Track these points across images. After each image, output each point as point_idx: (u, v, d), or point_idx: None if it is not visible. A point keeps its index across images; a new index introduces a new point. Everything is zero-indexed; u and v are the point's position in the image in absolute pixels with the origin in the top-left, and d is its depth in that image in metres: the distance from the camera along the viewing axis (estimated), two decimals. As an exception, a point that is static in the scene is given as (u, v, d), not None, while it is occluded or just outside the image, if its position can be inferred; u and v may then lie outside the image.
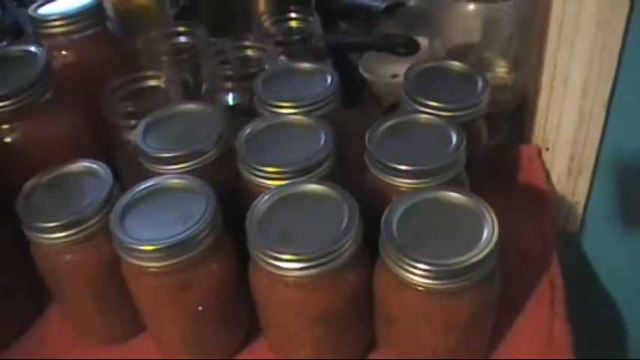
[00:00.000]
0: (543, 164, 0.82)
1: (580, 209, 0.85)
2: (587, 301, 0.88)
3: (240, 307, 0.66)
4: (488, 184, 0.66)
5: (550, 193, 0.81)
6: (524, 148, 0.83)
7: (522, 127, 0.87)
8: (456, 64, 0.74)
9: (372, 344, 0.67)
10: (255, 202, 0.60)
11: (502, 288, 0.61)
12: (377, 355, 0.67)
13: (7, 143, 0.71)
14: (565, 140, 0.79)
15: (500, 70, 0.89)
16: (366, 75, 0.92)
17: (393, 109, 0.89)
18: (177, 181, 0.64)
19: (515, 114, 0.89)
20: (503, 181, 0.81)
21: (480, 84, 0.71)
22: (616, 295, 0.92)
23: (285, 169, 0.62)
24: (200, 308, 0.62)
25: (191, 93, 0.82)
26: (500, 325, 0.67)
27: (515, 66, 0.88)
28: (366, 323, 0.64)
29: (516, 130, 0.88)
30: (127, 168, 0.75)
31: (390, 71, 0.93)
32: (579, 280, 0.85)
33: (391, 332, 0.62)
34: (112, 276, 0.64)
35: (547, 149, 0.81)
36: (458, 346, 0.60)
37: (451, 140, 0.64)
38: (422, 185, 0.62)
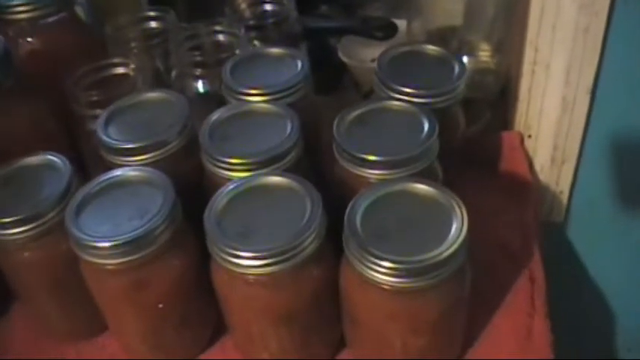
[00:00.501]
0: (526, 152, 0.79)
1: (564, 199, 0.82)
2: (573, 293, 0.86)
3: (203, 304, 0.64)
4: (466, 174, 0.64)
5: (532, 183, 0.78)
6: (505, 135, 0.80)
7: (505, 114, 0.84)
8: (432, 49, 0.71)
9: (342, 343, 0.64)
10: (214, 195, 0.57)
11: (478, 283, 0.58)
12: (346, 355, 0.64)
13: (-37, 135, 0.68)
14: (548, 127, 0.76)
15: (483, 53, 0.86)
16: (345, 59, 0.89)
17: (372, 94, 0.86)
18: (135, 173, 0.61)
19: (498, 100, 0.86)
20: (484, 170, 0.78)
21: (456, 69, 0.68)
22: (602, 285, 0.89)
23: (249, 160, 0.60)
24: (160, 306, 0.60)
25: (162, 80, 0.79)
26: (476, 322, 0.65)
27: (498, 49, 0.85)
28: (333, 322, 0.62)
29: (499, 117, 0.85)
30: (93, 160, 0.73)
31: (370, 55, 0.89)
32: (564, 271, 0.83)
33: (358, 332, 0.60)
34: (73, 273, 0.61)
35: (529, 136, 0.78)
36: (428, 345, 0.57)
37: (423, 128, 0.61)
38: (392, 176, 0.59)
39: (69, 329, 0.69)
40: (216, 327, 0.67)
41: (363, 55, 0.90)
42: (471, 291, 0.58)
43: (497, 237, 0.72)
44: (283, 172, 0.59)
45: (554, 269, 0.71)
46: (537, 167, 0.80)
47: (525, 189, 0.77)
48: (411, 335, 0.56)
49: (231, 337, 0.65)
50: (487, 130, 0.82)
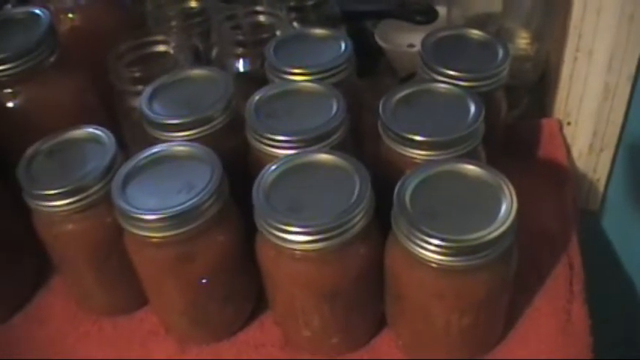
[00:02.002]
0: (564, 139, 0.79)
1: (601, 187, 0.82)
2: (606, 282, 0.85)
3: (246, 281, 0.64)
4: (505, 160, 0.64)
5: (571, 170, 0.78)
6: (544, 122, 0.79)
7: (543, 102, 0.83)
8: (475, 33, 0.71)
9: (381, 324, 0.65)
10: (263, 171, 0.57)
11: (519, 267, 0.58)
12: (387, 335, 0.64)
13: (8, 108, 0.68)
14: (588, 114, 0.76)
15: (522, 41, 0.85)
16: (382, 44, 0.89)
17: (409, 79, 0.86)
18: (182, 148, 0.61)
19: (535, 88, 0.86)
20: (522, 157, 0.78)
21: (500, 53, 0.68)
22: (637, 275, 0.89)
23: (295, 138, 0.60)
24: (204, 281, 0.60)
25: (201, 59, 0.80)
26: (516, 305, 0.65)
27: (537, 37, 0.85)
28: (376, 301, 0.62)
29: (536, 105, 0.84)
30: (133, 136, 0.73)
31: (407, 40, 0.89)
32: (598, 261, 0.82)
33: (401, 311, 0.60)
34: (115, 246, 0.62)
35: (569, 124, 0.78)
36: (471, 326, 0.58)
37: (469, 111, 0.61)
38: (437, 157, 0.59)
39: (107, 303, 0.69)
40: (256, 304, 0.67)
41: (400, 40, 0.90)
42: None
43: (536, 223, 0.72)
44: (331, 150, 0.59)
45: (588, 258, 0.71)
46: (575, 154, 0.79)
47: (564, 176, 0.77)
48: (456, 314, 0.56)
49: (273, 313, 0.65)
50: (524, 117, 0.82)
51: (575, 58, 0.73)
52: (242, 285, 0.64)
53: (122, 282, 0.66)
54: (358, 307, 0.60)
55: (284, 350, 0.65)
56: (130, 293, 0.67)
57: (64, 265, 0.68)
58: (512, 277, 0.57)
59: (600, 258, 0.87)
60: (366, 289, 0.60)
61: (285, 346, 0.65)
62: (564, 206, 0.74)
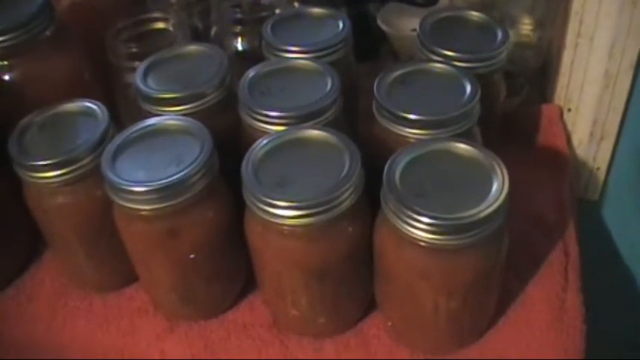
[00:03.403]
0: (564, 126, 0.78)
1: (601, 176, 0.81)
2: (605, 273, 0.84)
3: (234, 259, 0.64)
4: (504, 146, 0.63)
5: (570, 157, 0.77)
6: (544, 108, 0.78)
7: (544, 90, 0.82)
8: (475, 15, 0.70)
9: (370, 307, 0.64)
10: (253, 146, 0.57)
11: (513, 253, 0.58)
12: (375, 317, 0.64)
13: (3, 81, 0.68)
14: (589, 101, 0.75)
15: (525, 27, 0.84)
16: (384, 28, 0.88)
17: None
18: (172, 122, 0.61)
19: (536, 75, 0.85)
20: (521, 143, 0.77)
21: (499, 36, 0.67)
22: (635, 268, 0.87)
23: (287, 114, 0.59)
24: (192, 256, 0.59)
25: (200, 38, 0.79)
26: (509, 292, 0.64)
27: (540, 24, 0.84)
28: (365, 282, 0.61)
29: (537, 93, 0.83)
30: (130, 113, 0.73)
31: (409, 25, 0.88)
32: (597, 251, 0.81)
33: (390, 293, 0.59)
34: (104, 221, 0.62)
35: (569, 110, 0.77)
36: (460, 310, 0.57)
37: (465, 91, 0.60)
38: (431, 137, 0.58)
39: (97, 279, 0.69)
40: (245, 284, 0.66)
41: (403, 25, 0.88)
42: (506, 260, 0.57)
43: (533, 209, 0.71)
44: (322, 127, 0.58)
45: (586, 247, 0.70)
46: (575, 142, 0.78)
47: (563, 163, 0.76)
48: (444, 296, 0.56)
49: (261, 292, 0.65)
50: (525, 104, 0.81)
51: (577, 44, 0.72)
52: (231, 263, 0.64)
53: (112, 258, 0.66)
54: (347, 287, 0.60)
55: (271, 330, 0.64)
56: (120, 269, 0.67)
57: (54, 239, 0.67)
58: (502, 260, 0.56)
59: (600, 248, 0.85)
60: (355, 268, 0.59)
61: (272, 326, 0.64)
62: (562, 193, 0.73)
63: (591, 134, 0.77)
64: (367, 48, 0.88)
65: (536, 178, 0.74)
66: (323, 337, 0.63)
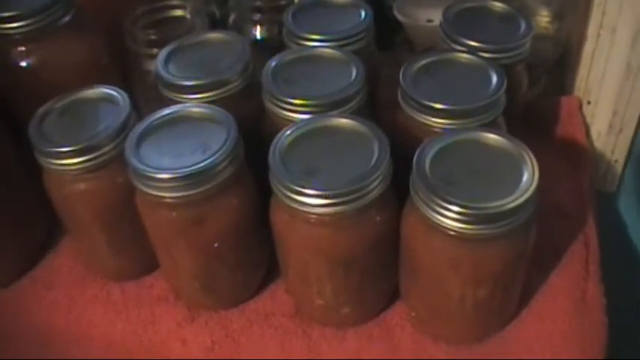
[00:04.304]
0: (583, 118, 0.78)
1: (619, 169, 0.81)
2: (622, 266, 0.84)
3: (258, 247, 0.63)
4: (523, 137, 0.63)
5: (589, 149, 0.77)
6: (564, 100, 0.78)
7: (563, 81, 0.82)
8: (497, 5, 0.70)
9: (393, 297, 0.64)
10: (280, 133, 0.56)
11: (535, 244, 0.57)
12: (400, 307, 0.64)
13: (21, 67, 0.67)
14: (609, 93, 0.75)
15: (543, 19, 0.84)
16: (400, 18, 0.87)
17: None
18: (197, 109, 0.60)
19: (554, 67, 0.84)
20: (540, 135, 0.76)
21: (522, 27, 0.67)
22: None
23: (313, 102, 0.59)
24: (216, 245, 0.59)
25: (217, 26, 0.78)
26: (531, 282, 0.64)
27: (558, 16, 0.83)
28: (390, 272, 0.61)
29: (554, 85, 0.83)
30: (147, 100, 0.72)
31: (425, 15, 0.88)
32: (613, 245, 0.81)
33: (415, 282, 0.59)
34: (125, 208, 0.61)
35: (588, 103, 0.77)
36: (487, 300, 0.56)
37: (491, 81, 0.60)
38: (457, 126, 0.58)
39: (117, 267, 0.68)
40: (267, 273, 0.66)
41: (419, 15, 0.88)
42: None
43: (553, 201, 0.71)
44: (350, 115, 0.58)
45: (604, 240, 0.70)
46: (594, 134, 0.78)
47: (582, 155, 0.76)
48: (472, 286, 0.55)
49: (285, 281, 0.64)
50: (542, 96, 0.81)
51: (598, 35, 0.72)
52: (254, 251, 0.63)
53: (133, 246, 0.66)
54: (372, 276, 0.59)
55: (294, 320, 0.64)
56: (140, 257, 0.67)
57: (73, 226, 0.67)
58: (530, 250, 0.56)
59: (616, 241, 0.85)
60: (381, 258, 0.59)
61: (295, 315, 0.64)
62: (581, 185, 0.73)
63: (610, 126, 0.77)
64: (383, 38, 0.87)
65: (556, 170, 0.74)
66: (346, 327, 0.63)
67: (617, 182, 0.82)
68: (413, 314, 0.62)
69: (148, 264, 0.67)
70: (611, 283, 0.67)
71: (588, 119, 0.78)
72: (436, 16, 0.87)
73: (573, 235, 0.69)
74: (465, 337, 0.61)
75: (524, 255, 0.56)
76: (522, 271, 0.58)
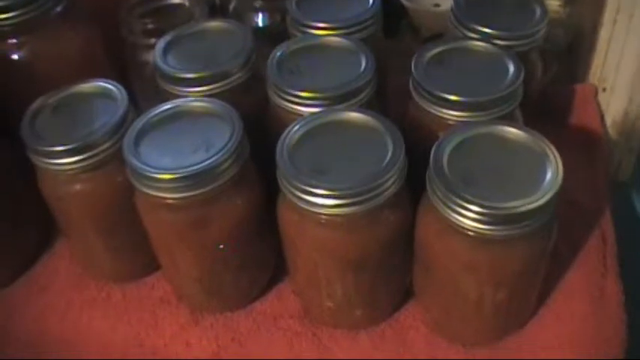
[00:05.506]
0: (599, 106, 0.75)
1: (633, 157, 0.78)
2: (634, 259, 0.82)
3: (264, 248, 0.61)
4: (537, 127, 0.60)
5: (604, 139, 0.74)
6: (579, 88, 0.75)
7: (575, 68, 0.79)
8: (512, -10, 0.67)
9: (405, 297, 0.61)
10: (288, 129, 0.53)
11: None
12: (411, 307, 0.61)
13: (13, 60, 0.64)
14: (625, 80, 0.72)
15: (553, 3, 0.81)
16: (405, 3, 0.84)
17: (433, 40, 0.82)
18: (199, 104, 0.57)
19: (565, 53, 0.82)
20: (554, 123, 0.74)
21: (537, 12, 0.64)
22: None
23: (321, 95, 0.56)
24: (221, 247, 0.56)
25: (217, 13, 0.75)
26: (549, 279, 0.61)
27: (569, 0, 0.80)
28: (402, 273, 0.58)
29: (566, 71, 0.80)
30: (145, 92, 0.69)
31: (432, 0, 0.85)
32: (625, 236, 0.79)
33: (431, 283, 0.56)
34: (124, 209, 0.58)
35: (604, 90, 0.74)
36: (505, 301, 0.54)
37: (507, 71, 0.57)
38: (472, 119, 0.55)
39: (116, 268, 0.65)
40: (273, 273, 0.64)
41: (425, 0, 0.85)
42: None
43: (568, 193, 0.67)
44: (362, 109, 0.55)
45: (617, 228, 0.68)
46: (608, 122, 0.75)
47: (598, 145, 0.73)
48: (490, 288, 0.53)
49: (292, 282, 0.62)
50: (553, 83, 0.78)
51: (615, 21, 0.69)
52: (260, 252, 0.61)
53: (132, 246, 0.63)
54: (384, 278, 0.57)
55: (303, 322, 0.61)
56: (140, 258, 0.64)
57: (69, 227, 0.64)
58: (550, 249, 0.54)
59: (629, 232, 0.83)
60: (393, 258, 0.56)
61: (303, 317, 0.61)
62: (597, 177, 0.70)
63: (626, 113, 0.74)
64: (386, 24, 0.84)
65: (570, 161, 0.70)
66: (357, 329, 0.60)
67: (632, 172, 0.80)
68: (427, 316, 0.59)
69: (150, 264, 0.64)
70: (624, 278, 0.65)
71: (603, 107, 0.75)
72: (443, 1, 0.84)
73: (589, 229, 0.66)
74: (481, 338, 0.59)
75: (545, 255, 0.53)
76: (542, 271, 0.56)
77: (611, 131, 0.76)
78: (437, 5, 0.84)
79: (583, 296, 0.61)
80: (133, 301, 0.65)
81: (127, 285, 0.66)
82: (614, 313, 0.61)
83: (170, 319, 0.63)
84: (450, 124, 0.56)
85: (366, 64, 0.58)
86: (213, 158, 0.52)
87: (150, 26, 0.67)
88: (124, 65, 0.71)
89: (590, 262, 0.64)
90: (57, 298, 0.66)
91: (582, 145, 0.73)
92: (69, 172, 0.57)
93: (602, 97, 0.75)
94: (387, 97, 0.68)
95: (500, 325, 0.58)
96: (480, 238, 0.49)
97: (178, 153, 0.53)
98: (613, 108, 0.74)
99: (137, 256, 0.64)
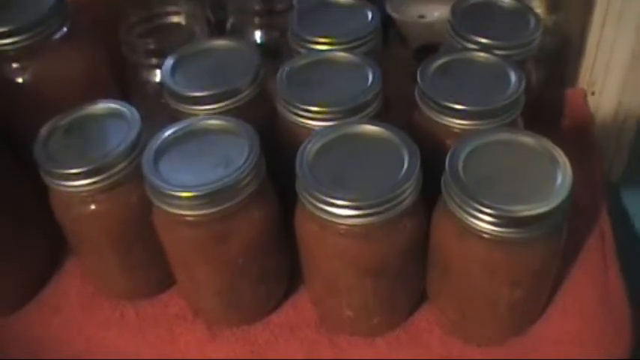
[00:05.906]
0: (589, 109, 0.77)
1: (623, 158, 0.81)
2: (626, 257, 0.84)
3: (281, 260, 0.62)
4: (534, 131, 0.62)
5: (598, 141, 0.77)
6: (569, 93, 0.78)
7: (562, 73, 0.82)
8: (505, 1, 0.69)
9: (419, 300, 0.63)
10: (306, 142, 0.55)
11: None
12: (425, 311, 0.63)
13: (17, 84, 0.64)
14: (614, 83, 0.74)
15: (538, 12, 0.83)
16: (393, 14, 0.86)
17: (422, 51, 0.84)
18: (214, 122, 0.58)
19: (554, 59, 0.84)
20: (548, 128, 0.75)
21: (532, 22, 0.66)
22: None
23: (332, 109, 0.57)
24: (240, 261, 0.57)
25: (213, 30, 0.76)
26: (556, 278, 0.63)
27: (553, 8, 0.83)
28: (418, 278, 0.60)
29: (556, 76, 0.83)
30: (147, 111, 0.69)
31: (418, 11, 0.87)
32: (619, 232, 0.81)
33: (447, 287, 0.58)
34: (139, 228, 0.59)
35: (592, 93, 0.76)
36: (521, 301, 0.56)
37: (509, 80, 0.59)
38: (478, 127, 0.57)
39: (129, 287, 0.66)
40: (289, 284, 0.65)
41: (412, 11, 0.87)
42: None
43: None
44: (376, 121, 0.57)
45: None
46: (598, 124, 0.78)
47: (590, 147, 0.75)
48: (506, 289, 0.55)
49: (310, 292, 0.63)
50: (543, 88, 0.80)
51: (603, 24, 0.71)
52: (277, 264, 0.62)
53: (147, 264, 0.63)
54: (401, 284, 0.58)
55: (319, 331, 0.62)
56: (154, 275, 0.65)
57: (82, 247, 0.64)
58: (562, 249, 0.56)
59: (621, 232, 0.85)
60: (410, 264, 0.57)
61: (320, 326, 0.63)
62: (593, 177, 0.72)
63: (615, 115, 0.77)
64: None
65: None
66: (374, 336, 0.61)
67: (622, 172, 0.83)
68: (443, 319, 0.61)
69: (163, 281, 0.65)
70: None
71: (592, 110, 0.78)
72: (428, 12, 0.86)
73: (589, 228, 0.68)
74: (496, 337, 0.61)
75: (558, 255, 0.56)
76: (554, 270, 0.58)
77: (601, 133, 0.79)
78: (422, 17, 0.86)
79: (588, 292, 0.63)
80: (147, 319, 0.65)
81: (141, 303, 0.66)
82: (620, 308, 0.62)
83: (187, 334, 0.63)
84: (455, 133, 0.58)
85: (373, 77, 0.60)
86: (234, 175, 0.53)
87: (151, 46, 0.68)
88: (124, 84, 0.72)
89: (591, 260, 0.66)
90: (70, 319, 0.66)
91: (576, 148, 0.74)
92: (84, 194, 0.58)
93: (591, 101, 0.77)
94: (389, 106, 0.69)
95: (515, 324, 0.60)
96: (496, 240, 0.51)
97: (198, 170, 0.54)
98: (602, 110, 0.77)
99: (151, 273, 0.64)
